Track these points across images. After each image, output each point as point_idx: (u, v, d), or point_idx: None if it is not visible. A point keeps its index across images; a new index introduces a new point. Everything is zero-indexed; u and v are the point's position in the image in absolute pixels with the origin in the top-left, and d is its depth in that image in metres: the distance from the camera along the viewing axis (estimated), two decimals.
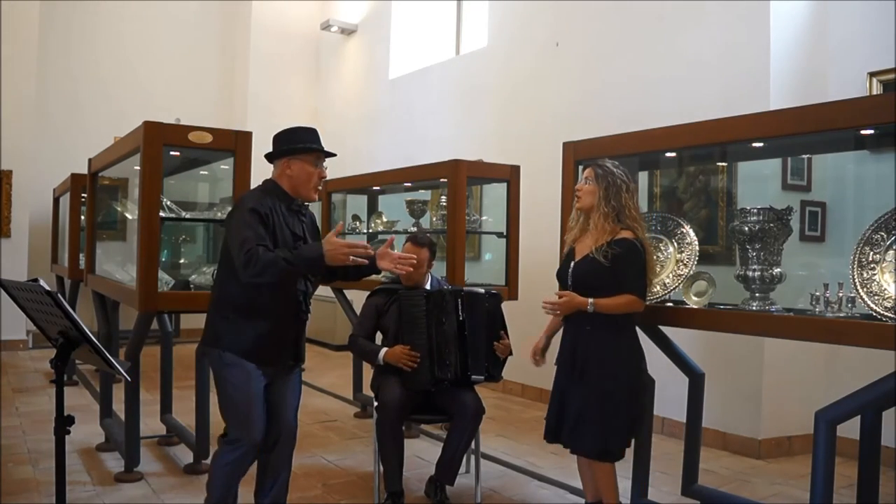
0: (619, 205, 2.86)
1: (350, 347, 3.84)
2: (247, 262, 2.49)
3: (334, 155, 2.85)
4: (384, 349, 3.54)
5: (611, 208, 2.86)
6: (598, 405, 2.81)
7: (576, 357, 2.88)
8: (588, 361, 2.85)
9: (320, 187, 2.85)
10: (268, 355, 2.73)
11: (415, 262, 2.97)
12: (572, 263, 2.95)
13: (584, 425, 2.84)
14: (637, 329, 3.01)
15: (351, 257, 2.53)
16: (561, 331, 3.06)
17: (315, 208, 7.86)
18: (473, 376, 3.51)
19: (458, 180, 4.41)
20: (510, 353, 3.62)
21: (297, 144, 2.74)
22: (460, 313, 3.51)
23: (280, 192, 2.76)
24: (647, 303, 3.16)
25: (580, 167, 3.02)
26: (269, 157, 2.80)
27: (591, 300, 2.80)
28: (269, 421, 2.77)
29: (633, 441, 3.04)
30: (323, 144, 2.81)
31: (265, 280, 2.56)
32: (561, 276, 3.01)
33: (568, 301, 2.83)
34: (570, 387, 2.91)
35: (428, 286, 3.71)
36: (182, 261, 4.79)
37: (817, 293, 2.70)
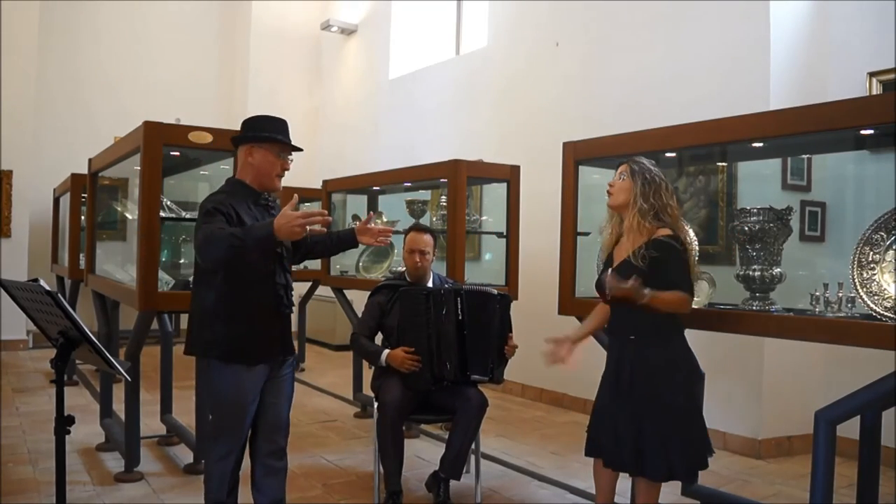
0: (661, 203, 2.62)
1: (352, 346, 3.83)
2: (199, 243, 2.44)
3: (300, 149, 2.74)
4: (386, 351, 3.52)
5: (649, 205, 2.61)
6: (656, 422, 2.55)
7: (620, 370, 2.65)
8: (636, 375, 2.61)
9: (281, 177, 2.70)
10: (252, 354, 2.65)
11: (391, 235, 2.96)
12: (610, 270, 2.65)
13: (644, 447, 2.57)
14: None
15: (308, 228, 2.39)
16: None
17: (314, 208, 7.91)
18: (474, 376, 3.48)
19: (458, 180, 4.41)
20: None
21: (263, 133, 2.66)
22: (459, 312, 3.48)
23: (244, 189, 2.67)
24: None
25: (618, 165, 2.79)
26: (235, 142, 2.74)
27: (648, 289, 2.47)
28: (260, 417, 2.74)
29: (709, 456, 2.65)
30: (292, 139, 2.72)
31: (219, 256, 2.42)
32: (600, 284, 2.72)
33: (627, 288, 2.44)
34: (619, 405, 2.66)
35: (430, 283, 3.71)
36: (182, 261, 4.78)
37: (817, 293, 2.70)
